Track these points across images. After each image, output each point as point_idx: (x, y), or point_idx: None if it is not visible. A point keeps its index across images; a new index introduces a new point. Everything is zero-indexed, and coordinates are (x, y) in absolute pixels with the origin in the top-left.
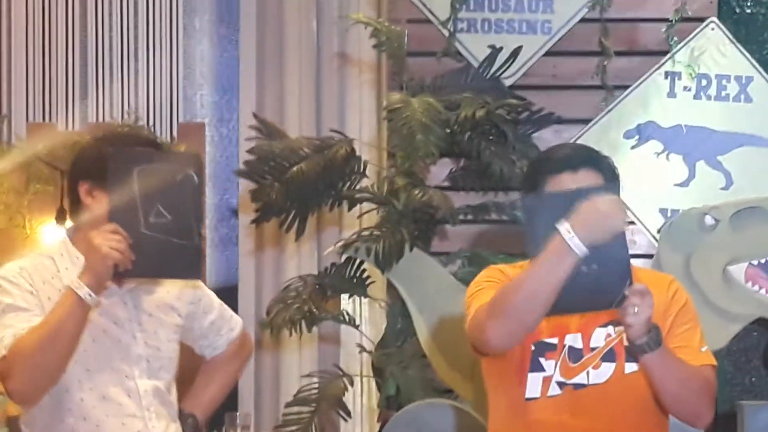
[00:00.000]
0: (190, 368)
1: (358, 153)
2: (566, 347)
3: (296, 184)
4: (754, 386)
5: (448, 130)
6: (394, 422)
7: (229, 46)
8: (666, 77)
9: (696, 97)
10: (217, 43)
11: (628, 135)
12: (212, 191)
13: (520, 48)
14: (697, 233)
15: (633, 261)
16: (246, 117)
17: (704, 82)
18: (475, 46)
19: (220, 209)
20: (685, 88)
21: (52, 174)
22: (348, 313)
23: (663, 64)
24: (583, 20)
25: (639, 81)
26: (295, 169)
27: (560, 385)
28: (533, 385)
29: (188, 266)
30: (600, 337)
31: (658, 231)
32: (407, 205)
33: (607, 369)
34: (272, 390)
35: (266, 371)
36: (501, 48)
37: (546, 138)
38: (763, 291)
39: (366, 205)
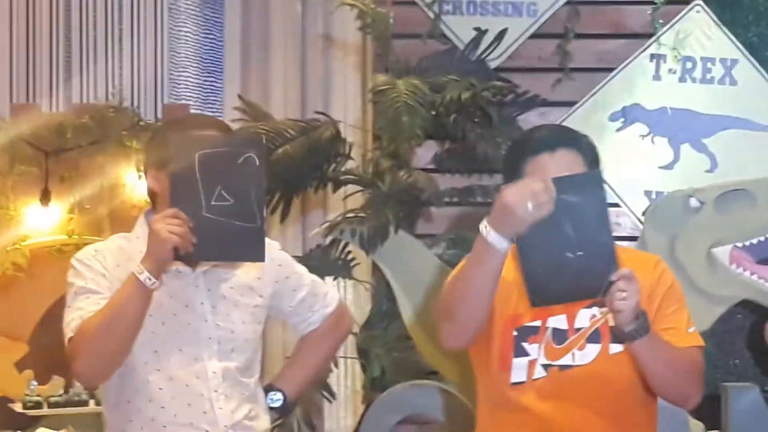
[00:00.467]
0: None
1: (343, 135)
2: (550, 329)
3: (281, 166)
4: (738, 368)
5: (434, 113)
6: (378, 404)
7: (213, 27)
8: (651, 60)
9: (681, 79)
10: (201, 25)
11: (613, 117)
12: None
13: (505, 30)
14: (681, 215)
15: (618, 243)
16: (231, 99)
17: (689, 65)
18: (460, 28)
19: None
20: (670, 70)
21: (36, 155)
22: None
23: (648, 46)
24: (568, 3)
25: (624, 63)
26: (280, 151)
27: (545, 367)
28: (518, 370)
29: (251, 248)
30: (585, 318)
31: (643, 213)
32: (392, 187)
33: (593, 350)
34: None
35: None
36: (486, 30)
37: (531, 120)
38: (747, 273)
39: (351, 187)
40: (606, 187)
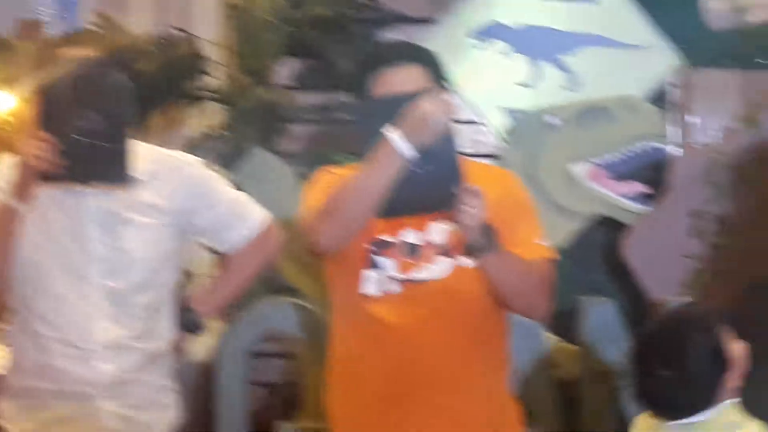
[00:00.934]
0: None
1: (202, 51)
2: (403, 243)
3: (137, 83)
4: (595, 283)
5: (293, 29)
6: (237, 321)
7: None
8: None
9: None
10: None
11: (473, 35)
12: None
13: None
14: (540, 133)
15: (477, 160)
16: (86, 14)
17: None
18: None
19: None
20: None
21: None
22: None
23: None
24: None
25: None
26: (136, 66)
27: (398, 281)
28: (370, 282)
29: (114, 171)
30: (436, 232)
31: (503, 131)
32: (252, 105)
33: (445, 264)
34: None
35: None
36: None
37: (391, 38)
38: (604, 189)
39: (211, 105)
40: (465, 103)
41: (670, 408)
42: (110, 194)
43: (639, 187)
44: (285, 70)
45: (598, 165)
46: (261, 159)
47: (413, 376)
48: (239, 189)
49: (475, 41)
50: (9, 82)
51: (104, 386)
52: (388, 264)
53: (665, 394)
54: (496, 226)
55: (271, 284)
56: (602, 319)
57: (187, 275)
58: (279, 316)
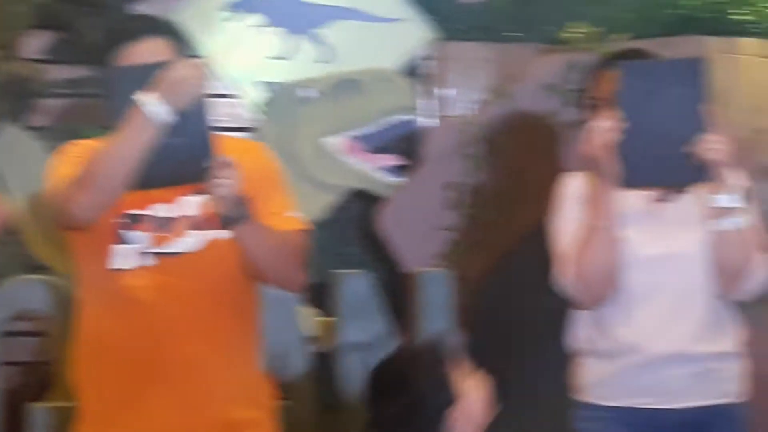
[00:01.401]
0: None
1: None
2: (154, 217)
3: None
4: (351, 256)
5: (41, 0)
6: None
7: None
8: None
9: None
10: None
11: (227, 7)
12: None
13: None
14: (294, 106)
15: (232, 134)
16: None
17: None
18: None
19: None
20: None
21: None
22: None
23: None
24: None
25: None
26: None
27: (150, 255)
28: (121, 256)
29: None
30: (189, 205)
31: (258, 104)
32: None
33: (198, 237)
34: None
35: None
36: None
37: (139, 11)
38: (359, 162)
39: None
40: (219, 77)
41: None
42: None
43: (393, 160)
44: (33, 43)
45: (353, 138)
46: (11, 135)
47: (163, 351)
48: None
49: (228, 14)
50: None
51: None
52: (139, 238)
53: (394, 427)
54: (249, 198)
55: (21, 262)
56: (358, 291)
57: None
58: (30, 294)
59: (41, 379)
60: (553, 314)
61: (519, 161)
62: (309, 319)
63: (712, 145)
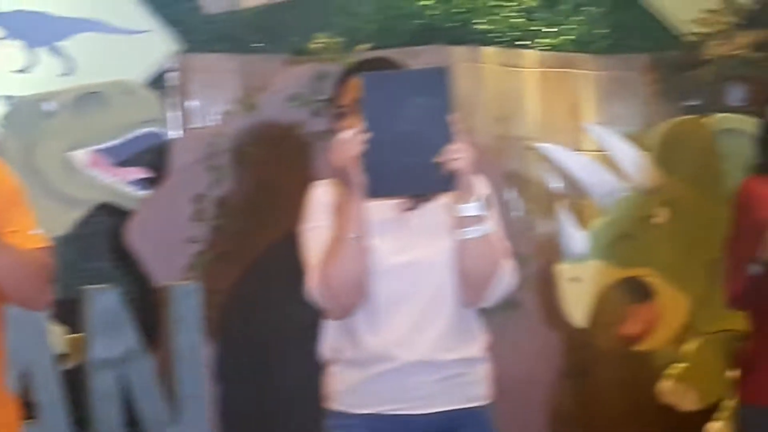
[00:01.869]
0: None
1: None
2: None
3: None
4: (100, 270)
5: None
6: None
7: None
8: None
9: None
10: None
11: None
12: None
13: None
14: (36, 120)
15: None
16: None
17: None
18: None
19: None
20: None
21: None
22: None
23: None
24: None
25: None
26: None
27: None
28: None
29: None
30: None
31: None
32: None
33: None
34: None
35: None
36: None
37: None
38: (104, 176)
39: None
40: None
41: None
42: None
43: (140, 173)
44: None
45: (98, 151)
46: None
47: None
48: None
49: None
50: None
51: None
52: None
53: None
54: None
55: None
56: (107, 307)
57: None
58: None
59: None
60: (302, 324)
61: (266, 172)
62: (58, 337)
63: (456, 154)
